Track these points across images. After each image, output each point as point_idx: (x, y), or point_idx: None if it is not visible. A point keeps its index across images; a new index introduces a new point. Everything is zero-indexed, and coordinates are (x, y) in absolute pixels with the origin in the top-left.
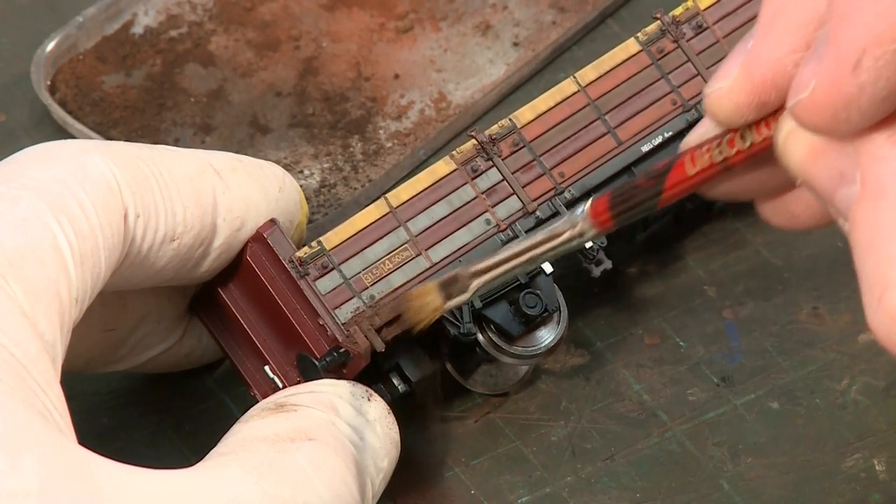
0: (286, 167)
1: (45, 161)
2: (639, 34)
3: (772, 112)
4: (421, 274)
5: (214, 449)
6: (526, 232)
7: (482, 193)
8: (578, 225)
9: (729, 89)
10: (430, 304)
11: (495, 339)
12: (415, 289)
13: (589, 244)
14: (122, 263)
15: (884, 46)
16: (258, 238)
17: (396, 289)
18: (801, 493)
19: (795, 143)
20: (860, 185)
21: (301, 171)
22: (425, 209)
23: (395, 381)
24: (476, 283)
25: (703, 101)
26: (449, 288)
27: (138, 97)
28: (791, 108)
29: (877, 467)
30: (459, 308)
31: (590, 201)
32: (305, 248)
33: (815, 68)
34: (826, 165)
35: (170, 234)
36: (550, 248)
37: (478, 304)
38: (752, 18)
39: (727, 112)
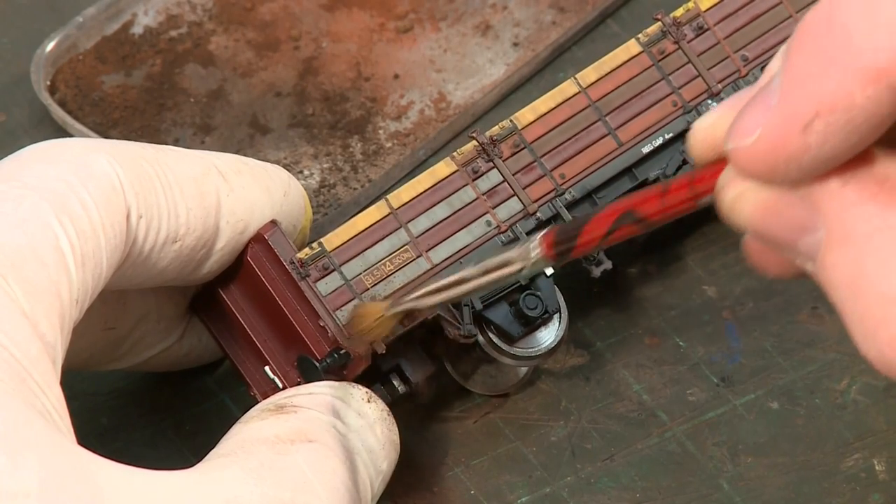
0: (286, 167)
1: (48, 160)
2: (640, 35)
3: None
4: (422, 275)
5: (214, 450)
6: (527, 234)
7: (483, 195)
8: (533, 257)
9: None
10: (376, 319)
11: (495, 340)
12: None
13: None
14: (123, 264)
15: (837, 115)
16: (259, 239)
17: (397, 290)
18: (801, 493)
19: (745, 205)
20: (826, 232)
21: (301, 171)
22: (426, 210)
23: (396, 383)
24: (418, 304)
25: (730, 155)
26: (395, 304)
27: (138, 97)
28: (729, 152)
29: (877, 467)
30: (460, 309)
31: (542, 234)
32: (306, 250)
33: (762, 118)
34: (782, 220)
35: (172, 236)
36: (500, 276)
37: (478, 306)
38: (754, 20)
39: (761, 171)
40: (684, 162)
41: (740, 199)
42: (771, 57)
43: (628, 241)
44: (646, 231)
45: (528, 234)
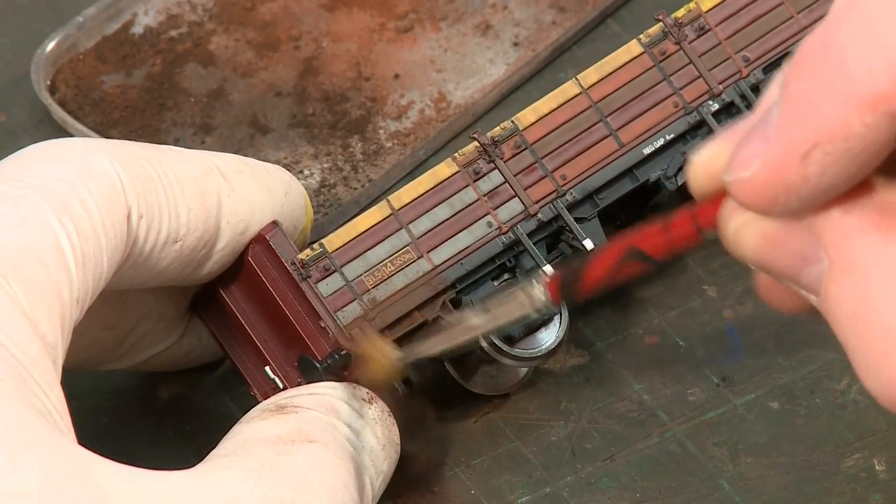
0: (286, 167)
1: (49, 159)
2: (641, 36)
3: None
4: (422, 276)
5: (214, 450)
6: (528, 235)
7: (484, 196)
8: (539, 300)
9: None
10: (386, 366)
11: (496, 341)
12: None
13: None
14: (124, 264)
15: (836, 144)
16: (260, 239)
17: (398, 291)
18: (801, 493)
19: (748, 237)
20: (828, 263)
21: (301, 171)
22: (427, 211)
23: (396, 383)
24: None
25: (729, 187)
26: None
27: (138, 97)
28: (729, 184)
29: (877, 467)
30: (460, 309)
31: (547, 278)
32: (307, 251)
33: (760, 149)
34: (785, 252)
35: (173, 236)
36: (507, 322)
37: None
38: (755, 20)
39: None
40: (685, 163)
41: (742, 230)
42: (773, 58)
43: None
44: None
45: (530, 235)
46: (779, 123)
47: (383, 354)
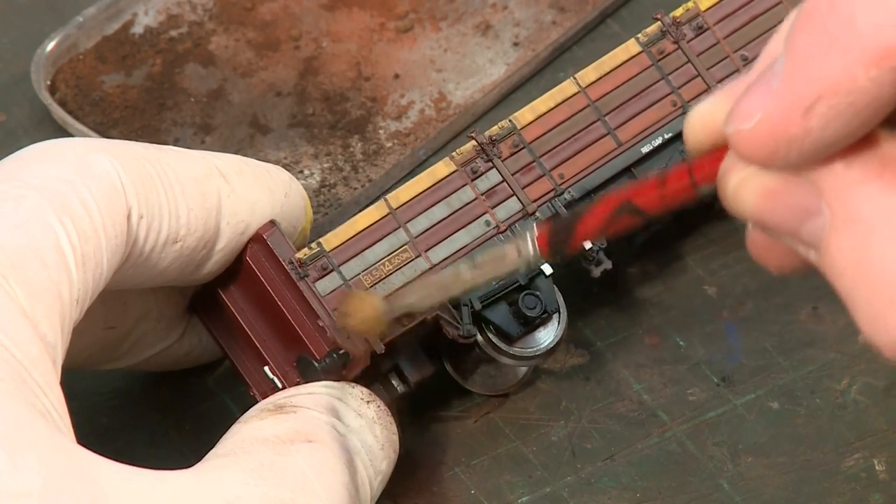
0: (286, 167)
1: (50, 159)
2: (639, 35)
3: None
4: (420, 275)
5: (213, 450)
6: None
7: (482, 195)
8: (527, 253)
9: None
10: (368, 312)
11: (495, 340)
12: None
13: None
14: (124, 264)
15: (840, 98)
16: (258, 239)
17: (396, 290)
18: (801, 493)
19: (747, 191)
20: (830, 215)
21: (301, 171)
22: (425, 210)
23: (395, 383)
24: (411, 302)
25: (730, 138)
26: (392, 304)
27: (138, 97)
28: (729, 135)
29: (877, 467)
30: (459, 309)
31: (536, 229)
32: (305, 250)
33: (763, 102)
34: (784, 205)
35: (173, 236)
36: (495, 273)
37: (477, 306)
38: (753, 19)
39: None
40: (683, 161)
41: (742, 186)
42: None
43: (627, 240)
44: (645, 223)
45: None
46: (783, 76)
47: (371, 305)
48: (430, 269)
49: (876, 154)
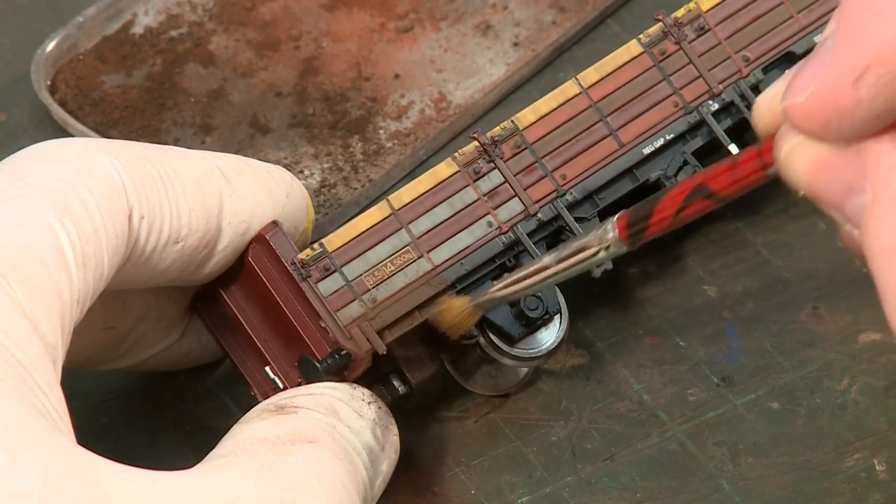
0: (286, 167)
1: (50, 159)
2: (641, 36)
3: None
4: (422, 276)
5: (214, 450)
6: (528, 234)
7: (484, 196)
8: (608, 240)
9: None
10: (461, 313)
11: (496, 340)
12: (445, 303)
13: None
14: (124, 264)
15: (888, 66)
16: (260, 239)
17: (398, 291)
18: (801, 493)
19: (798, 159)
20: (871, 194)
21: (301, 171)
22: (427, 211)
23: (396, 383)
24: (501, 295)
25: (785, 111)
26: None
27: (138, 97)
28: (784, 108)
29: (877, 467)
30: None
31: (616, 217)
32: (307, 250)
33: (816, 74)
34: (832, 178)
35: (174, 237)
36: (577, 261)
37: None
38: (755, 20)
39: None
40: (685, 163)
41: (794, 152)
42: (773, 57)
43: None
44: (718, 206)
45: (530, 235)
46: (833, 48)
47: (456, 304)
48: (433, 269)
49: None
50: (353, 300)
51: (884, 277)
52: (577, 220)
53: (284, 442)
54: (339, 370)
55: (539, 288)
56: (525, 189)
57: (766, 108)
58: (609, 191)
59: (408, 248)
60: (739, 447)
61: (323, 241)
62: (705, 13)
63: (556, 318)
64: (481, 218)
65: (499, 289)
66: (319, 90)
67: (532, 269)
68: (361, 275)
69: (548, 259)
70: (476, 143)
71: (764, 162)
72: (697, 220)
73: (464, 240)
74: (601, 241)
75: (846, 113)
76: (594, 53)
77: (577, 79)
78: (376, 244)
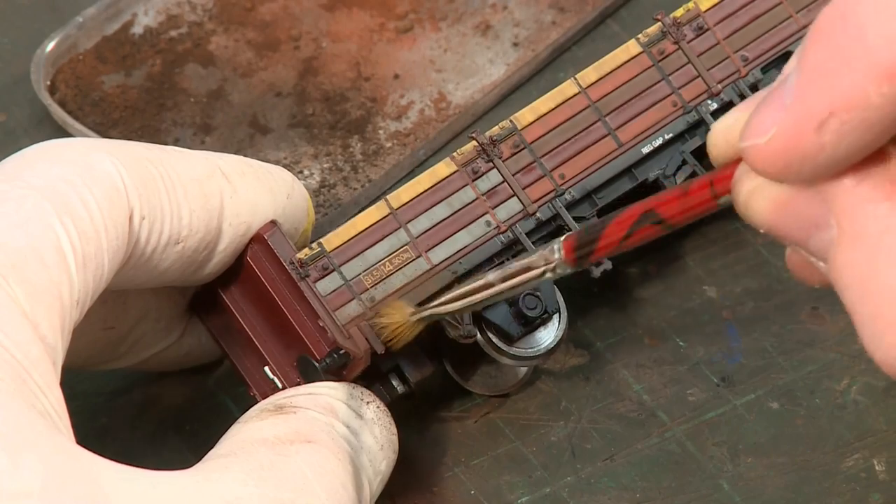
0: (286, 167)
1: (51, 159)
2: (640, 35)
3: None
4: (421, 275)
5: (213, 450)
6: (527, 234)
7: (483, 195)
8: (554, 261)
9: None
10: (403, 324)
11: (495, 340)
12: (387, 313)
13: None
14: (125, 265)
15: (852, 114)
16: (258, 239)
17: (397, 290)
18: (801, 493)
19: (759, 201)
20: (838, 230)
21: (301, 171)
22: (426, 211)
23: (395, 383)
24: (443, 310)
25: (744, 153)
26: (421, 311)
27: (138, 97)
28: (744, 150)
29: (877, 467)
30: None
31: (563, 238)
32: (306, 250)
33: (777, 117)
34: (795, 217)
35: (174, 237)
36: (522, 281)
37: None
38: (754, 20)
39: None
40: (684, 162)
41: (754, 195)
42: (771, 57)
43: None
44: (666, 232)
45: (529, 234)
46: (796, 92)
47: (401, 313)
48: (431, 269)
49: (886, 171)
50: (352, 299)
51: (858, 307)
52: (576, 219)
53: (284, 442)
54: (337, 370)
55: (482, 305)
56: (524, 188)
57: (721, 138)
58: (608, 190)
59: (406, 247)
60: (739, 447)
61: (321, 240)
62: (704, 13)
63: (555, 317)
64: (480, 217)
65: (441, 303)
66: (319, 90)
67: (476, 285)
68: (360, 274)
69: (492, 276)
70: (475, 142)
71: (716, 191)
72: (697, 221)
73: (462, 239)
74: (547, 261)
75: (808, 157)
76: (594, 53)
77: (575, 78)
78: (375, 243)
